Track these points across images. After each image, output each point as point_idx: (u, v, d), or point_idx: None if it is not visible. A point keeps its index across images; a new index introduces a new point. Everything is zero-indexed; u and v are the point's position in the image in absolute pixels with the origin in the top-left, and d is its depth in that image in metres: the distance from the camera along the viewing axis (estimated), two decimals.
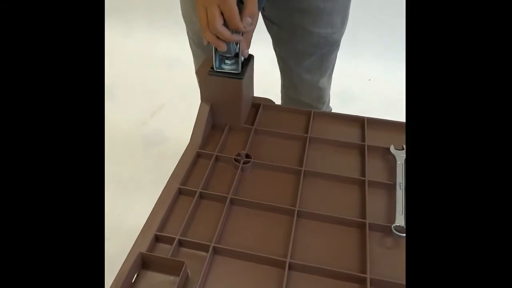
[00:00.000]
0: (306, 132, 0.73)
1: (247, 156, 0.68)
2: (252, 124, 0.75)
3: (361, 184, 0.65)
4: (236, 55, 0.66)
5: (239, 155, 0.68)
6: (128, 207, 1.32)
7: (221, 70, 0.68)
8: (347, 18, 0.84)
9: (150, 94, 1.84)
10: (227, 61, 0.68)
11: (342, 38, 0.88)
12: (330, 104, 1.07)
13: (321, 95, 0.97)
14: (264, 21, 0.86)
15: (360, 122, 0.77)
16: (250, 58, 0.71)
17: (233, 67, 0.68)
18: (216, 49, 0.65)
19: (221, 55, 0.67)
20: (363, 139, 0.73)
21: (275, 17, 0.82)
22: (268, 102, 0.81)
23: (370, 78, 1.88)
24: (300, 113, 0.79)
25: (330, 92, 1.03)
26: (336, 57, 0.91)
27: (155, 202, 0.61)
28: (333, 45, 0.86)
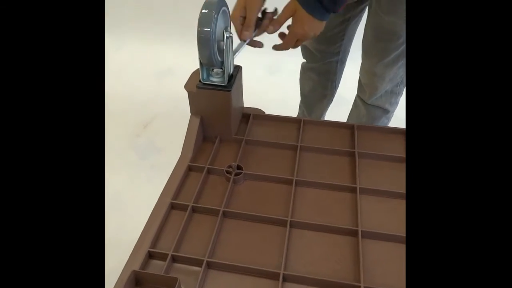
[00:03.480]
0: (297, 141, 0.74)
1: (239, 167, 0.68)
2: (243, 135, 0.75)
3: (353, 191, 0.65)
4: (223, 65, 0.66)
5: (230, 166, 0.68)
6: (122, 220, 1.31)
7: (209, 83, 0.68)
8: None
9: (142, 106, 1.84)
10: (214, 73, 0.68)
11: None
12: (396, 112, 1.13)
13: (373, 79, 1.02)
14: None
15: (350, 129, 0.77)
16: (238, 69, 0.71)
17: (220, 79, 0.68)
18: (201, 62, 0.66)
19: (207, 67, 0.67)
20: (353, 146, 0.73)
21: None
22: (258, 112, 0.82)
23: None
24: (291, 122, 0.80)
25: (392, 90, 1.07)
26: (397, 52, 0.94)
27: (148, 218, 0.61)
28: (394, 36, 0.89)
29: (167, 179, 0.67)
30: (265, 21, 0.72)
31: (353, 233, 0.59)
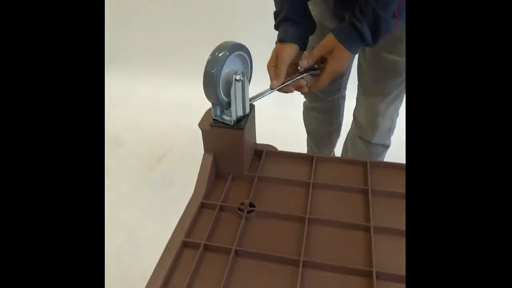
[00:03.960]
0: (309, 178, 0.74)
1: (251, 205, 0.69)
2: (256, 171, 0.76)
3: (366, 230, 0.65)
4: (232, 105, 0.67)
5: (242, 204, 0.69)
6: (135, 255, 1.31)
7: (222, 121, 0.70)
8: None
9: (157, 139, 1.87)
10: (227, 112, 0.70)
11: None
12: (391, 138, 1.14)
13: (376, 119, 1.03)
14: None
15: (363, 165, 0.77)
16: (251, 108, 0.73)
17: (227, 117, 0.69)
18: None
19: (216, 105, 0.68)
20: (366, 183, 0.73)
21: None
22: (270, 149, 0.83)
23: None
24: (303, 158, 0.80)
25: (390, 125, 1.09)
26: (399, 89, 0.96)
27: (160, 255, 0.61)
28: (396, 73, 0.91)
29: (180, 216, 0.67)
30: (302, 81, 0.75)
31: (368, 274, 0.58)
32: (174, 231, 0.65)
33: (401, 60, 0.88)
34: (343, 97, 1.21)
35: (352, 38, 0.70)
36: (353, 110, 1.13)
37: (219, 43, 0.64)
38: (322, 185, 0.73)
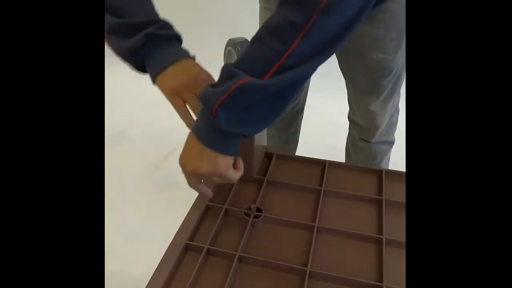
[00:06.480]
0: (321, 185, 0.74)
1: (258, 209, 0.69)
2: (264, 175, 0.76)
3: (378, 242, 0.64)
4: None
5: (249, 208, 0.69)
6: (136, 256, 1.32)
7: None
8: (402, 47, 0.88)
9: (163, 137, 1.88)
10: None
11: None
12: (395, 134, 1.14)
13: (373, 118, 1.03)
14: None
15: (378, 174, 0.77)
16: None
17: None
18: None
19: None
20: (380, 193, 0.72)
21: None
22: (282, 152, 0.83)
23: None
24: (315, 164, 0.80)
25: (390, 121, 1.09)
26: (391, 85, 0.96)
27: (161, 258, 0.61)
28: (386, 70, 0.90)
29: (184, 218, 0.68)
30: None
31: None
32: (176, 233, 0.65)
33: (388, 57, 0.87)
34: (301, 112, 1.22)
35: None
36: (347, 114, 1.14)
37: (226, 40, 0.64)
38: (334, 192, 0.73)
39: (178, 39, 0.65)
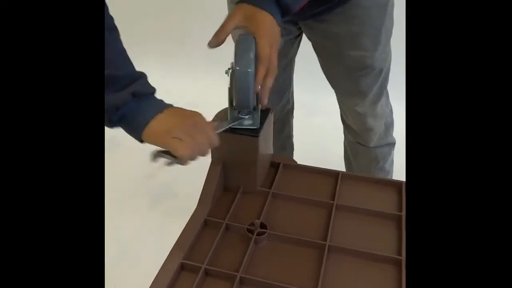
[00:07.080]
0: (333, 198, 0.71)
1: (262, 226, 0.66)
2: (270, 187, 0.74)
3: (397, 264, 0.61)
4: (254, 109, 0.65)
5: (252, 224, 0.66)
6: (127, 274, 1.28)
7: (239, 126, 0.66)
8: (382, 44, 0.88)
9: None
10: (242, 116, 0.66)
11: None
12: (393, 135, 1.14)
13: (363, 121, 1.02)
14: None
15: (398, 187, 0.74)
16: (267, 112, 0.69)
17: (249, 122, 0.66)
18: (231, 102, 0.64)
19: (236, 109, 0.64)
20: (400, 209, 0.69)
21: (311, 42, 0.94)
22: (289, 161, 0.80)
23: None
24: (326, 175, 0.78)
25: (386, 123, 1.09)
26: (376, 84, 0.96)
27: (154, 278, 0.58)
28: (367, 69, 0.90)
29: (180, 233, 0.65)
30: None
31: None
32: (171, 251, 0.62)
33: (366, 54, 0.87)
34: (292, 111, 1.22)
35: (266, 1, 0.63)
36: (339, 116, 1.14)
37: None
38: (348, 207, 0.70)
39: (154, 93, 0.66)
